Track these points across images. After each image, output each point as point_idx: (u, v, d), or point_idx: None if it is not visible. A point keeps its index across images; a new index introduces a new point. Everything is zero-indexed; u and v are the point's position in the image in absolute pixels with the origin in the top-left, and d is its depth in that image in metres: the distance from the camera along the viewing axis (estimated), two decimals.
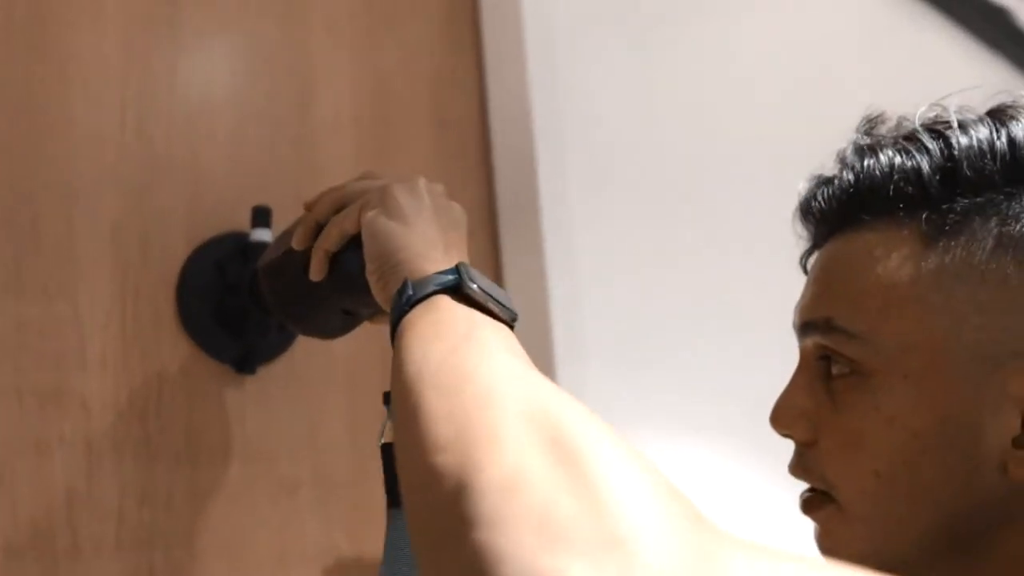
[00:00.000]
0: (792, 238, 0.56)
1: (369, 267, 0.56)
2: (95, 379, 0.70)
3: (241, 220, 0.80)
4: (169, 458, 0.73)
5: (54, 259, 0.69)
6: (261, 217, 0.77)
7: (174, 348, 0.75)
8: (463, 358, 0.41)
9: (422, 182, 0.59)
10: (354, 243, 0.59)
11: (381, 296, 0.56)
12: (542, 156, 0.99)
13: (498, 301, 0.50)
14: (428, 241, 0.55)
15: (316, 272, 0.61)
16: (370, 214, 0.57)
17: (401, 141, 0.96)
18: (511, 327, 0.49)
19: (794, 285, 0.54)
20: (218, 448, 0.76)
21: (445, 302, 0.48)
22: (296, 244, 0.63)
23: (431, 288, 0.49)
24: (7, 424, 0.65)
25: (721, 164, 1.21)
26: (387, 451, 0.60)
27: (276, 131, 0.85)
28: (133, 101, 0.76)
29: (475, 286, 0.50)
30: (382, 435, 0.60)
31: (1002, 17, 2.36)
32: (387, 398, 0.59)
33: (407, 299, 0.50)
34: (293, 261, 0.64)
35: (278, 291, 0.66)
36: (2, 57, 0.70)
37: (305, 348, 0.83)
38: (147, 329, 0.74)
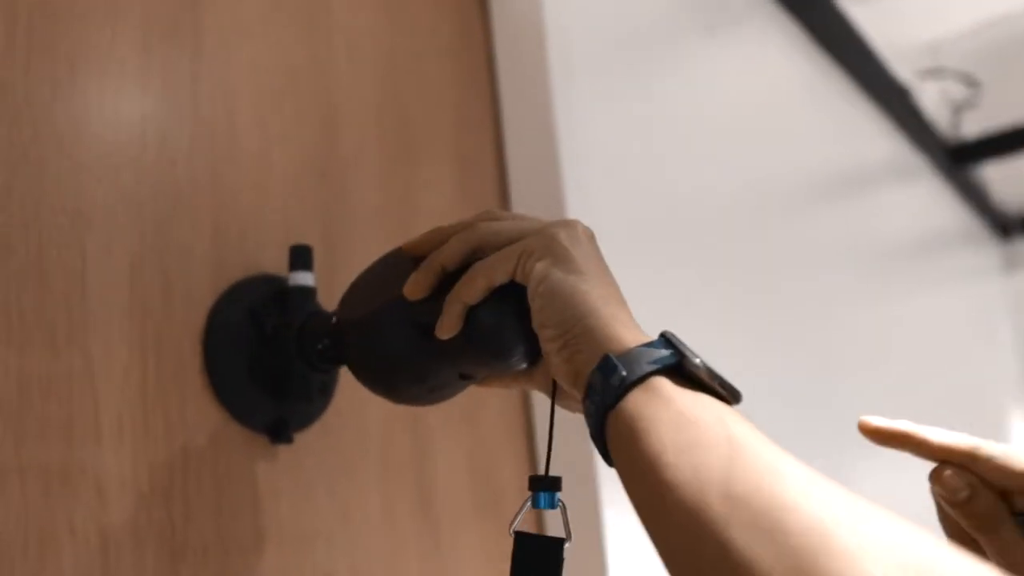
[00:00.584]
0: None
1: (547, 333, 0.47)
2: (111, 453, 0.56)
3: (270, 258, 0.68)
4: (197, 550, 0.59)
5: (62, 302, 0.55)
6: (301, 258, 0.66)
7: (201, 413, 0.61)
8: (751, 476, 0.34)
9: (580, 226, 0.50)
10: (494, 295, 0.49)
11: (564, 369, 0.46)
12: (568, 197, 0.92)
13: (721, 378, 0.42)
14: (614, 302, 0.47)
15: (448, 328, 0.50)
16: (540, 266, 0.48)
17: (426, 178, 0.86)
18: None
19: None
20: (250, 535, 0.62)
21: (667, 387, 0.41)
22: (411, 292, 0.52)
23: (646, 367, 0.42)
24: (6, 510, 0.50)
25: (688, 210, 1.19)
26: (521, 541, 0.50)
27: (301, 158, 0.74)
28: (153, 114, 0.63)
29: (699, 362, 0.42)
30: (517, 521, 0.49)
31: (904, 96, 2.51)
32: (534, 483, 0.49)
33: (619, 381, 0.42)
34: (403, 313, 0.53)
35: (375, 349, 0.55)
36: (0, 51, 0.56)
37: (337, 411, 0.71)
38: (171, 389, 0.60)
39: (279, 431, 0.64)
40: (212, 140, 0.67)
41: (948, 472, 0.50)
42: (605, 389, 0.43)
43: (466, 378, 0.55)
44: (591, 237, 0.50)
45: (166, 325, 0.61)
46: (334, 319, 0.62)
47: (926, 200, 2.79)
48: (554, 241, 0.48)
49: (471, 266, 0.50)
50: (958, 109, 3.06)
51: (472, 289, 0.49)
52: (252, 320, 0.65)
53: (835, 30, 2.02)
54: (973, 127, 3.20)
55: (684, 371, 0.42)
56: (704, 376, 0.42)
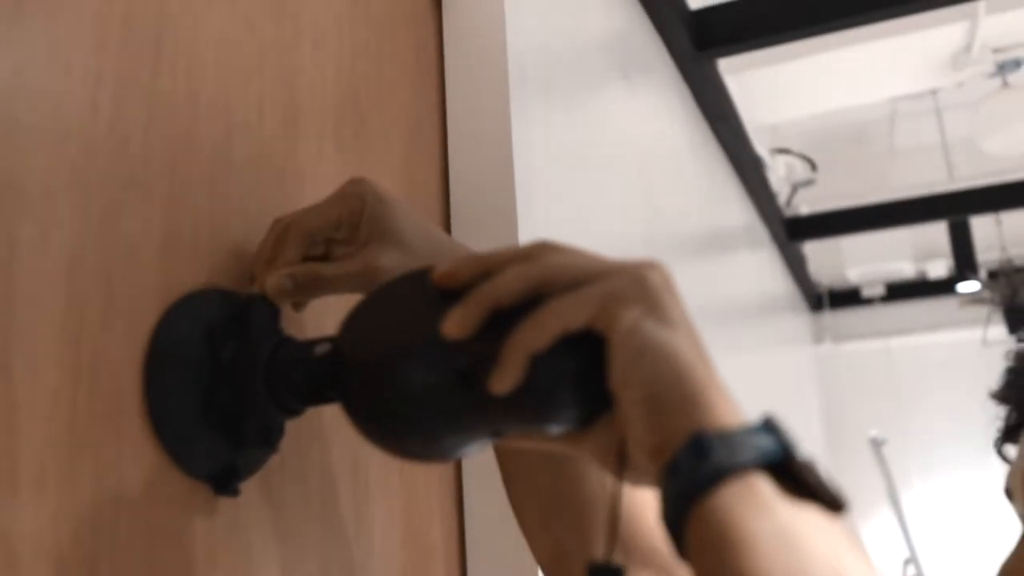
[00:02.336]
0: None
1: (630, 395, 0.40)
2: (29, 508, 0.42)
3: (223, 268, 0.57)
4: None
5: None
6: (266, 314, 0.55)
7: (137, 455, 0.49)
8: None
9: (666, 270, 0.43)
10: (561, 344, 0.42)
11: (648, 440, 0.39)
12: (520, 222, 0.85)
13: (827, 481, 0.37)
14: (707, 364, 0.40)
15: (508, 379, 0.41)
16: (629, 314, 0.40)
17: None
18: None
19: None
20: None
21: (768, 489, 0.36)
22: (452, 331, 0.43)
23: (747, 457, 0.36)
24: None
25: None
26: None
27: (261, 153, 0.63)
28: (111, 73, 0.51)
29: (807, 460, 0.37)
30: None
31: (758, 167, 2.65)
32: (596, 573, 0.41)
33: (713, 469, 0.36)
34: (439, 356, 0.43)
35: (397, 396, 0.45)
36: None
37: (280, 459, 0.59)
38: (104, 424, 0.47)
39: (226, 481, 0.52)
40: (171, 119, 0.55)
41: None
42: (694, 473, 0.37)
43: (498, 435, 0.46)
44: (675, 284, 0.44)
45: (105, 342, 0.48)
46: (318, 349, 0.51)
47: (766, 267, 2.95)
48: (646, 285, 0.42)
49: (537, 305, 0.42)
50: (796, 187, 3.28)
51: (542, 334, 0.41)
52: (208, 343, 0.53)
53: (713, 96, 2.09)
54: (807, 205, 3.44)
55: (788, 469, 0.37)
56: (811, 480, 0.37)
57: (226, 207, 0.58)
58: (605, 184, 1.26)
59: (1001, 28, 2.31)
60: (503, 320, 0.43)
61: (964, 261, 3.85)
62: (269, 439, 0.53)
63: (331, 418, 0.65)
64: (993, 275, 3.78)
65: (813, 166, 3.21)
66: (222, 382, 0.52)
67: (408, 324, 0.46)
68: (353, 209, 0.56)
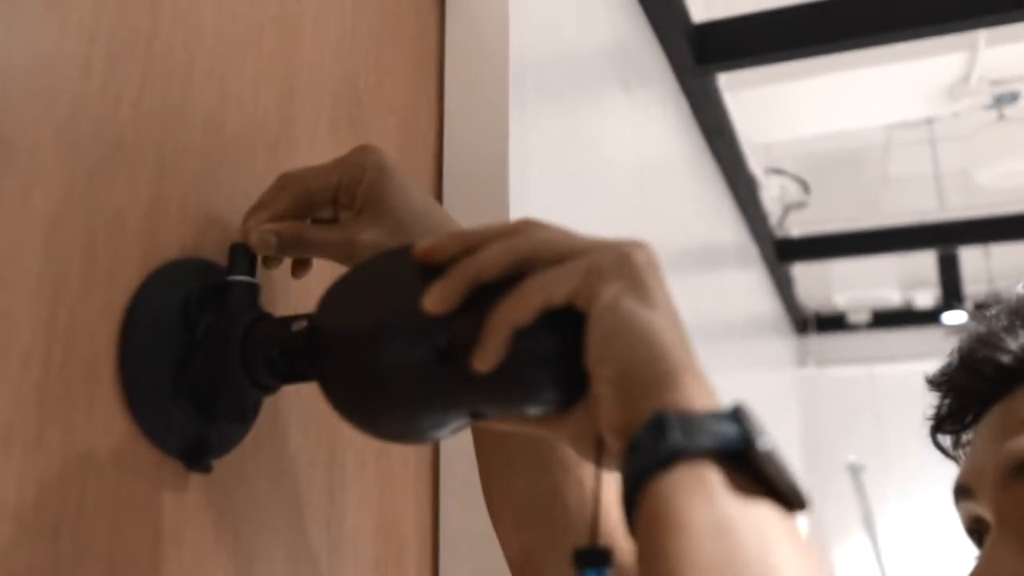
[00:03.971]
0: None
1: (604, 372, 0.39)
2: None
3: (210, 241, 0.56)
4: None
5: None
6: (241, 262, 0.53)
7: (108, 424, 0.47)
8: None
9: (652, 250, 0.43)
10: (541, 320, 0.41)
11: (615, 419, 0.39)
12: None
13: (789, 475, 0.36)
14: (686, 347, 0.40)
15: (492, 355, 0.40)
16: (610, 289, 0.40)
17: None
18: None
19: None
20: None
21: (717, 478, 0.35)
22: (434, 305, 0.42)
23: (703, 443, 0.35)
24: None
25: None
26: None
27: (256, 127, 0.62)
28: (106, 36, 0.50)
29: (768, 451, 0.36)
30: None
31: (752, 187, 2.66)
32: (582, 559, 0.40)
33: (667, 450, 0.35)
34: (419, 330, 0.43)
35: (373, 371, 0.44)
36: None
37: (256, 438, 0.58)
38: (77, 389, 0.46)
39: (198, 456, 0.51)
40: (166, 83, 0.54)
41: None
42: (650, 453, 0.36)
43: (477, 416, 0.45)
44: (659, 266, 0.43)
45: (82, 305, 0.47)
46: (295, 325, 0.50)
47: (754, 287, 2.95)
48: (629, 262, 0.41)
49: (521, 280, 0.41)
50: (788, 208, 3.28)
51: (524, 308, 0.40)
52: (184, 314, 0.52)
53: (711, 111, 2.10)
54: (798, 228, 3.45)
55: (747, 458, 0.36)
56: (770, 471, 0.36)
57: (216, 179, 0.57)
58: (599, 192, 1.26)
59: (1000, 60, 2.33)
60: (485, 296, 0.42)
61: (951, 292, 3.87)
62: (242, 415, 0.52)
63: (310, 401, 0.64)
64: (981, 307, 3.80)
65: (806, 188, 3.22)
66: (197, 355, 0.51)
67: (387, 299, 0.45)
68: (353, 176, 0.55)
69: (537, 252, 0.42)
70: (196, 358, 0.51)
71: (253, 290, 0.54)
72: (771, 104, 2.78)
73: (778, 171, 3.08)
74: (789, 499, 0.35)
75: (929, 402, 0.64)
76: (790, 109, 2.86)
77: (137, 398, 0.49)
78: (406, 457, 0.77)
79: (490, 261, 0.42)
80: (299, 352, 0.49)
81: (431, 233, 0.54)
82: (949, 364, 0.61)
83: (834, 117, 2.94)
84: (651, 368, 0.38)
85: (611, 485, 0.56)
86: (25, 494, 0.42)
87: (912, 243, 3.32)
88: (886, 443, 4.62)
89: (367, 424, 0.46)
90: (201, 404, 0.51)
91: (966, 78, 2.39)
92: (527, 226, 0.44)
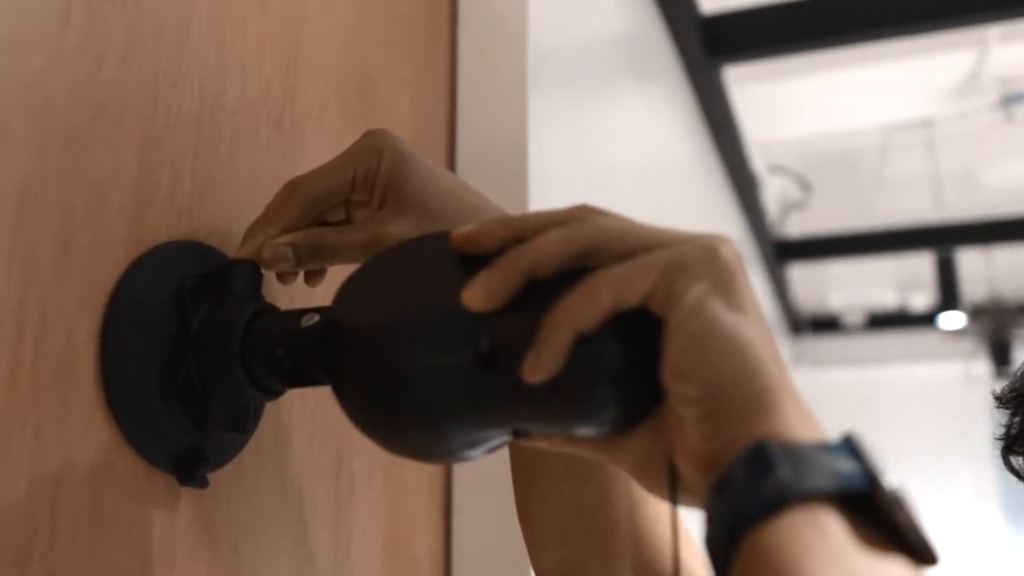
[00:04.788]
0: None
1: (686, 390, 0.33)
2: None
3: (205, 223, 0.49)
4: None
5: None
6: (245, 281, 0.47)
7: (87, 433, 0.41)
8: None
9: (737, 246, 0.36)
10: (610, 324, 0.34)
11: (699, 446, 0.33)
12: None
13: (919, 523, 0.30)
14: (780, 366, 0.33)
15: (549, 363, 0.34)
16: (697, 291, 0.33)
17: None
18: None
19: None
20: None
21: (841, 527, 0.29)
22: (477, 301, 0.36)
23: (820, 483, 0.29)
24: None
25: None
26: None
27: (258, 98, 0.55)
28: None
29: (895, 494, 0.30)
30: None
31: (754, 187, 2.61)
32: None
33: (777, 490, 0.29)
34: (460, 330, 0.36)
35: (404, 376, 0.37)
36: None
37: (257, 446, 0.52)
38: (49, 389, 0.39)
39: (192, 468, 0.44)
40: (156, 42, 0.47)
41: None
42: (751, 491, 0.30)
43: (519, 435, 0.39)
44: (745, 264, 0.37)
45: (57, 291, 0.40)
46: (305, 320, 0.44)
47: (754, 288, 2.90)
48: (716, 258, 0.34)
49: (583, 276, 0.35)
50: (787, 208, 3.24)
51: (592, 309, 0.34)
52: (175, 305, 0.45)
53: (717, 107, 2.04)
54: (797, 228, 3.40)
55: (872, 504, 0.30)
56: (900, 518, 0.30)
57: (212, 152, 0.50)
58: (607, 187, 1.20)
59: (1010, 59, 2.29)
60: (540, 293, 0.35)
61: (948, 294, 3.84)
62: (241, 423, 0.45)
63: (316, 404, 0.58)
64: (979, 311, 3.77)
65: (808, 187, 3.17)
66: (190, 352, 0.44)
67: (420, 292, 0.38)
68: (369, 167, 0.48)
69: (604, 243, 0.35)
70: (189, 356, 0.45)
71: (255, 278, 0.47)
72: (772, 102, 2.73)
73: (780, 169, 3.03)
74: (920, 552, 0.29)
75: (997, 420, 0.59)
76: (790, 107, 2.81)
77: (121, 402, 0.42)
78: (418, 468, 0.70)
79: (548, 251, 0.35)
80: (309, 351, 0.43)
81: (468, 221, 0.47)
82: (1018, 379, 0.56)
83: (837, 115, 2.89)
84: (745, 387, 0.32)
85: (657, 508, 0.50)
86: None
87: (912, 244, 3.28)
88: (881, 446, 4.58)
89: (389, 438, 0.39)
90: (195, 409, 0.44)
91: (975, 76, 2.35)
92: (587, 213, 0.37)
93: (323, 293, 0.58)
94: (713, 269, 0.34)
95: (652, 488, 0.37)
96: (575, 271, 0.35)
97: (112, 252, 0.43)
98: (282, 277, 0.50)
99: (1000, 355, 3.66)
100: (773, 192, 3.07)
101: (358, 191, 0.48)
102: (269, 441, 0.53)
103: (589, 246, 0.35)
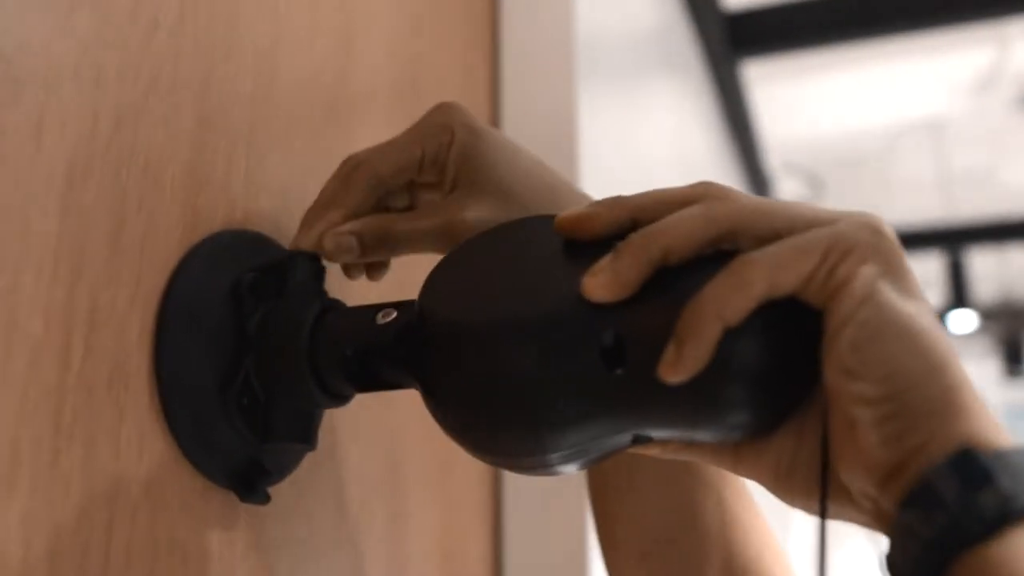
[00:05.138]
0: None
1: (861, 389, 0.29)
2: None
3: (261, 210, 0.45)
4: None
5: None
6: (305, 272, 0.42)
7: (141, 443, 0.36)
8: None
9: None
10: (757, 316, 0.30)
11: (879, 454, 0.29)
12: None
13: None
14: (959, 358, 0.29)
15: (687, 362, 0.29)
16: (867, 275, 0.29)
17: None
18: None
19: None
20: None
21: None
22: (600, 291, 0.31)
23: None
24: None
25: None
26: None
27: (310, 78, 0.50)
28: None
29: None
30: None
31: (765, 180, 2.57)
32: None
33: (998, 504, 0.25)
34: (580, 324, 0.32)
35: (511, 382, 0.32)
36: None
37: (313, 459, 0.47)
38: (102, 398, 0.34)
39: (253, 483, 0.40)
40: (210, 10, 0.42)
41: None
42: (965, 507, 0.26)
43: (639, 441, 0.35)
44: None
45: (109, 287, 0.35)
46: (381, 317, 0.39)
47: None
48: (883, 237, 0.30)
49: (729, 260, 0.30)
50: None
51: (742, 297, 0.29)
52: (234, 301, 0.40)
53: (739, 104, 2.01)
54: None
55: None
56: None
57: (267, 134, 0.46)
58: (650, 179, 1.16)
59: None
60: (670, 281, 0.31)
61: (958, 295, 3.80)
62: (306, 434, 0.41)
63: (368, 411, 0.53)
64: (992, 313, 3.73)
65: (820, 186, 3.14)
66: (249, 354, 0.40)
67: (528, 283, 0.34)
68: (440, 144, 0.43)
69: (746, 223, 0.31)
70: (248, 359, 0.40)
71: (318, 272, 0.42)
72: (787, 100, 2.70)
73: (793, 167, 2.99)
74: None
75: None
76: (806, 105, 2.77)
77: (177, 410, 0.37)
78: (467, 474, 0.66)
79: (683, 233, 0.31)
80: (388, 351, 0.38)
81: (554, 206, 0.42)
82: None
83: (851, 113, 2.85)
84: (931, 386, 0.28)
85: (746, 502, 0.46)
86: (34, 539, 0.31)
87: (925, 243, 3.24)
88: None
89: (488, 446, 0.35)
90: (255, 418, 0.40)
91: (993, 73, 2.31)
92: (714, 190, 0.33)
93: (385, 287, 0.53)
94: (882, 250, 0.30)
95: (791, 499, 0.33)
96: (711, 256, 0.31)
97: (166, 242, 0.38)
98: (348, 270, 0.45)
99: (1013, 356, 3.62)
100: (785, 190, 3.03)
101: (426, 171, 0.44)
102: (325, 452, 0.48)
103: (730, 226, 0.31)
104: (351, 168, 0.43)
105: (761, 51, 1.87)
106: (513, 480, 0.71)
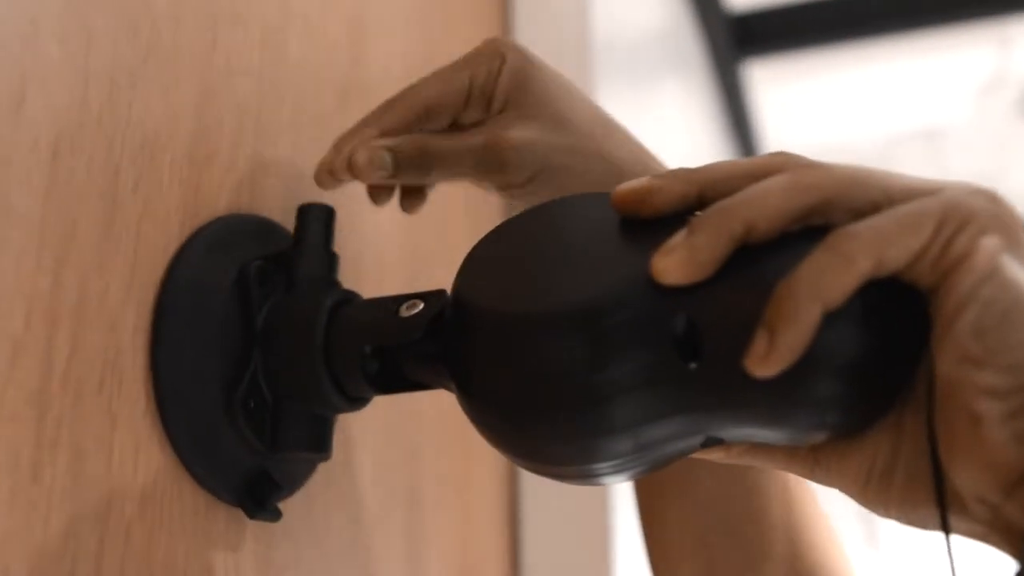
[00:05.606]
0: None
1: (988, 378, 0.25)
2: None
3: (267, 195, 0.40)
4: None
5: None
6: (316, 228, 0.38)
7: (137, 453, 0.32)
8: None
9: None
10: (859, 297, 0.26)
11: (1008, 454, 0.24)
12: None
13: None
14: None
15: (781, 353, 0.25)
16: (989, 248, 0.25)
17: None
18: None
19: None
20: None
21: None
22: (673, 272, 0.27)
23: None
24: None
25: None
26: None
27: (325, 58, 0.46)
28: None
29: None
30: None
31: None
32: None
33: None
34: (653, 312, 0.27)
35: (569, 380, 0.28)
36: None
37: (325, 471, 0.43)
38: (90, 402, 0.30)
39: (262, 498, 0.35)
40: None
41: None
42: None
43: (709, 443, 0.30)
44: None
45: (100, 274, 0.31)
46: (405, 310, 0.35)
47: None
48: (1001, 206, 0.26)
49: (825, 235, 0.26)
50: None
51: (845, 277, 0.25)
52: (239, 293, 0.36)
53: (743, 107, 1.98)
54: None
55: None
56: None
57: (275, 114, 0.42)
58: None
59: None
60: (754, 260, 0.27)
61: None
62: (320, 442, 0.36)
63: (385, 417, 0.49)
64: None
65: None
66: (256, 352, 0.36)
67: (585, 264, 0.29)
68: (490, 70, 0.39)
69: (841, 193, 0.27)
70: (256, 357, 0.36)
71: (331, 261, 0.38)
72: (788, 104, 2.67)
73: None
74: None
75: None
76: (811, 106, 2.74)
77: (177, 416, 0.33)
78: (484, 486, 0.62)
79: (770, 205, 0.27)
80: (413, 347, 0.34)
81: (608, 142, 0.38)
82: None
83: (851, 117, 2.82)
84: None
85: (810, 496, 0.42)
86: (12, 565, 0.27)
87: None
88: None
89: (530, 450, 0.30)
90: (264, 425, 0.35)
91: (999, 77, 2.29)
92: (799, 158, 0.29)
93: (401, 279, 0.49)
94: (1003, 219, 0.26)
95: (886, 507, 0.29)
96: (798, 233, 0.27)
97: (164, 225, 0.34)
98: (375, 194, 0.41)
99: None
100: None
101: (475, 102, 0.40)
102: (339, 464, 0.44)
103: (822, 197, 0.27)
104: (392, 98, 0.39)
105: (765, 52, 1.84)
106: (532, 492, 0.66)
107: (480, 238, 0.34)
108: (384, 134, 0.38)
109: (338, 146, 0.38)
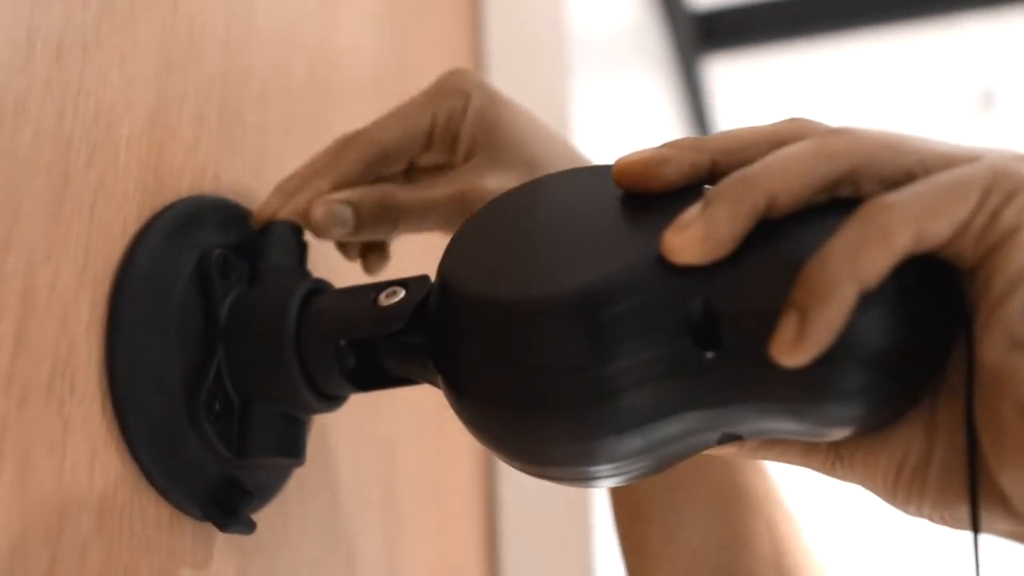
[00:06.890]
0: None
1: None
2: None
3: (234, 174, 0.37)
4: None
5: None
6: (284, 249, 0.35)
7: (92, 462, 0.28)
8: None
9: None
10: (896, 275, 0.24)
11: None
12: None
13: None
14: None
15: (814, 337, 0.22)
16: None
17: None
18: None
19: None
20: None
21: None
22: (689, 249, 0.24)
23: None
24: None
25: None
26: None
27: (293, 28, 0.43)
28: None
29: None
30: None
31: None
32: None
33: None
34: (666, 295, 0.25)
35: (571, 373, 0.25)
36: None
37: (299, 478, 0.39)
38: (40, 405, 0.27)
39: (232, 509, 0.32)
40: None
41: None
42: None
43: (726, 440, 0.28)
44: None
45: (49, 260, 0.27)
46: (384, 298, 0.32)
47: None
48: None
49: (857, 207, 0.24)
50: None
51: (882, 252, 0.22)
52: (201, 282, 0.33)
53: (705, 103, 1.98)
54: None
55: None
56: None
57: (242, 87, 0.38)
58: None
59: (991, 53, 2.26)
60: (777, 236, 0.24)
61: None
62: (294, 446, 0.33)
63: (362, 419, 0.46)
64: None
65: None
66: (219, 348, 0.32)
67: (586, 244, 0.26)
68: (454, 109, 0.36)
69: (873, 160, 0.24)
70: (219, 353, 0.32)
71: (301, 247, 0.35)
72: (747, 94, 2.68)
73: None
74: None
75: None
76: (766, 100, 2.76)
77: (136, 421, 0.30)
78: (463, 491, 0.59)
79: (795, 175, 0.24)
80: (394, 339, 0.31)
81: None
82: None
83: (809, 109, 2.84)
84: None
85: (796, 529, 0.40)
86: None
87: None
88: None
89: (526, 449, 0.27)
90: (231, 428, 0.32)
91: (962, 73, 2.32)
92: (814, 123, 0.26)
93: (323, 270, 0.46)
94: None
95: (917, 506, 0.26)
96: (825, 205, 0.25)
97: (120, 206, 0.31)
98: (345, 250, 0.38)
99: None
100: None
101: (437, 144, 0.37)
102: (315, 470, 0.41)
103: (852, 165, 0.24)
104: (346, 140, 0.36)
105: (725, 47, 1.85)
106: (510, 494, 0.63)
107: (467, 217, 0.31)
108: (338, 186, 0.35)
109: (283, 189, 0.36)
